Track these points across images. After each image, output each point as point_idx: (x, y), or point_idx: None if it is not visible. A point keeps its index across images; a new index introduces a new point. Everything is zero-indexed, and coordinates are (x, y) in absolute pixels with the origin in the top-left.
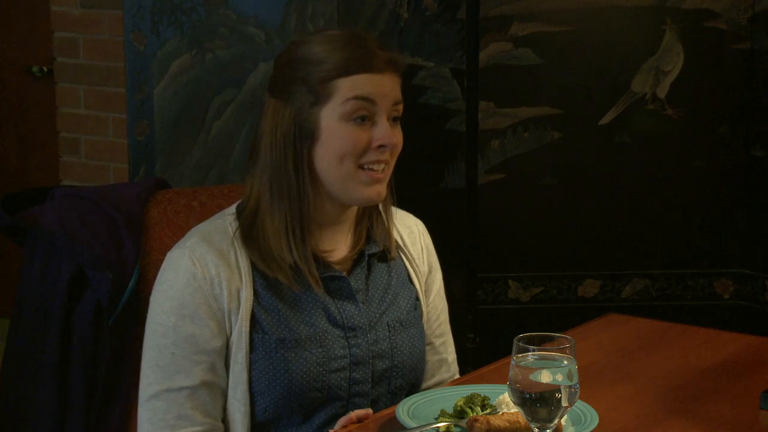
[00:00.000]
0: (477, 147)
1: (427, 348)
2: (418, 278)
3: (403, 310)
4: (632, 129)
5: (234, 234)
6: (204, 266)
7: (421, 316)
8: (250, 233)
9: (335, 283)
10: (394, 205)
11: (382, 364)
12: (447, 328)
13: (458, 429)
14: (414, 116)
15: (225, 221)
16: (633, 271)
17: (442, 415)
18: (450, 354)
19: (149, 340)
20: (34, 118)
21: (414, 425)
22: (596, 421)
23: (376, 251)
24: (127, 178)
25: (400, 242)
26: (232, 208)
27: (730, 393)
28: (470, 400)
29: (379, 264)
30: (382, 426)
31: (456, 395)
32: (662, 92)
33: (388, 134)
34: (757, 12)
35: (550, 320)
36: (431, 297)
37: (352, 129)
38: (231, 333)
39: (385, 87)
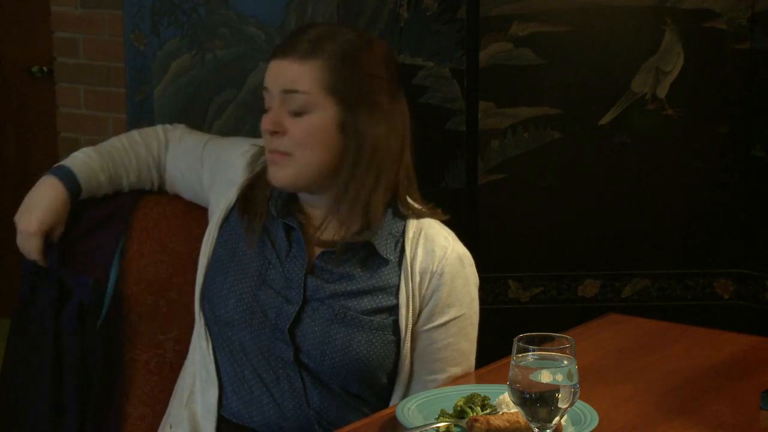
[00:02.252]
0: (477, 147)
1: (417, 377)
2: (407, 294)
3: (360, 309)
4: (632, 129)
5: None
6: (245, 154)
7: (393, 328)
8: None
9: (292, 234)
10: (398, 213)
11: (313, 346)
12: (447, 372)
13: (458, 429)
14: (414, 116)
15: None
16: (633, 271)
17: (442, 415)
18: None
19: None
20: (34, 118)
21: (414, 425)
22: (596, 421)
23: (355, 241)
24: None
25: (409, 255)
26: None
27: (730, 393)
28: (470, 400)
29: (363, 260)
30: (382, 426)
31: (456, 395)
32: (662, 92)
33: (268, 119)
34: (757, 12)
35: (550, 320)
36: (428, 326)
37: (263, 117)
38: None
39: (276, 72)
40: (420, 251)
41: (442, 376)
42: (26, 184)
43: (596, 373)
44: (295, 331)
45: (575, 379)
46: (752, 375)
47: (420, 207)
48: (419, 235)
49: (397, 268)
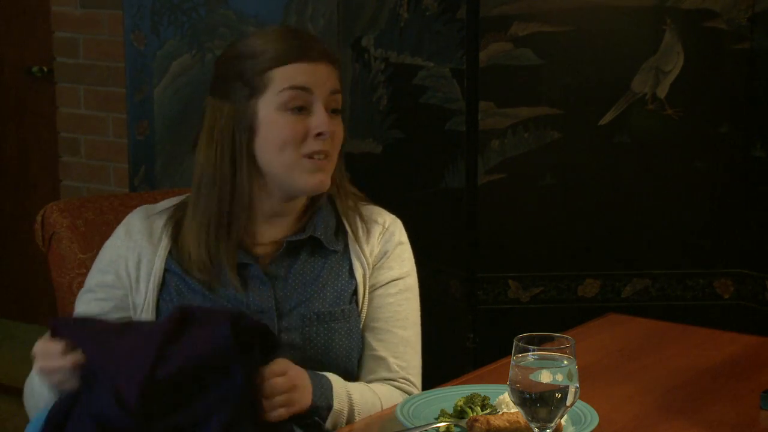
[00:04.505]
0: (477, 147)
1: (366, 343)
2: (363, 271)
3: (327, 302)
4: (632, 129)
5: (171, 212)
6: (128, 232)
7: (359, 311)
8: (177, 226)
9: (246, 270)
10: (347, 198)
11: (294, 355)
12: (393, 332)
13: (458, 429)
14: (414, 116)
15: (172, 200)
16: (633, 271)
17: (442, 415)
18: (390, 356)
19: None
20: (34, 118)
21: (414, 425)
22: (596, 421)
23: (299, 239)
24: (127, 178)
25: (352, 238)
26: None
27: (730, 393)
28: (470, 400)
29: (310, 254)
30: (382, 426)
31: (456, 395)
32: (662, 92)
33: (325, 122)
34: (757, 12)
35: (550, 320)
36: (372, 288)
37: (290, 118)
38: (136, 297)
39: (320, 76)
40: (361, 231)
41: (388, 337)
42: (26, 184)
43: (596, 373)
44: None
45: (575, 379)
46: (752, 375)
47: (353, 193)
48: (356, 217)
49: (345, 254)
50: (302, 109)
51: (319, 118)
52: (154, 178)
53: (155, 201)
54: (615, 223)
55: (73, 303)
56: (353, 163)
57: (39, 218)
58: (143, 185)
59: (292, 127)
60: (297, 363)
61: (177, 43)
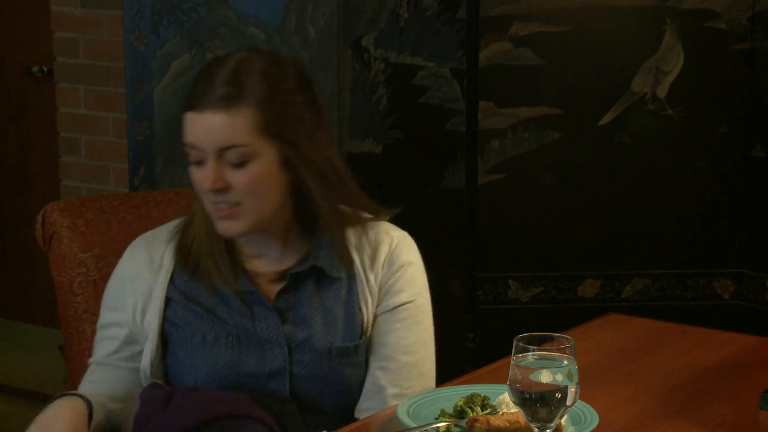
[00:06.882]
0: (477, 147)
1: (369, 367)
2: (367, 301)
3: (340, 337)
4: (632, 129)
5: (171, 237)
6: (130, 262)
7: (365, 343)
8: (183, 239)
9: (251, 297)
10: (340, 227)
11: (308, 388)
12: (396, 360)
13: (458, 429)
14: (414, 116)
15: (173, 223)
16: (633, 271)
17: (442, 415)
18: (390, 386)
19: None
20: (34, 118)
21: (414, 425)
22: (596, 421)
23: (301, 270)
24: (127, 178)
25: (358, 263)
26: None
27: (730, 393)
28: (470, 400)
29: (316, 284)
30: (381, 426)
31: (456, 395)
32: (662, 92)
33: (209, 179)
34: (757, 12)
35: (550, 320)
36: (378, 312)
37: (193, 169)
38: (146, 328)
39: (206, 130)
40: (366, 256)
41: (390, 364)
42: (26, 184)
43: (596, 373)
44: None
45: (575, 379)
46: (752, 375)
47: (359, 211)
48: (360, 239)
49: (351, 280)
50: (200, 163)
51: (203, 174)
52: (154, 178)
53: (155, 200)
54: (615, 223)
55: (73, 303)
56: (353, 163)
57: (39, 218)
58: (143, 185)
59: (193, 178)
60: (310, 395)
61: (177, 43)
